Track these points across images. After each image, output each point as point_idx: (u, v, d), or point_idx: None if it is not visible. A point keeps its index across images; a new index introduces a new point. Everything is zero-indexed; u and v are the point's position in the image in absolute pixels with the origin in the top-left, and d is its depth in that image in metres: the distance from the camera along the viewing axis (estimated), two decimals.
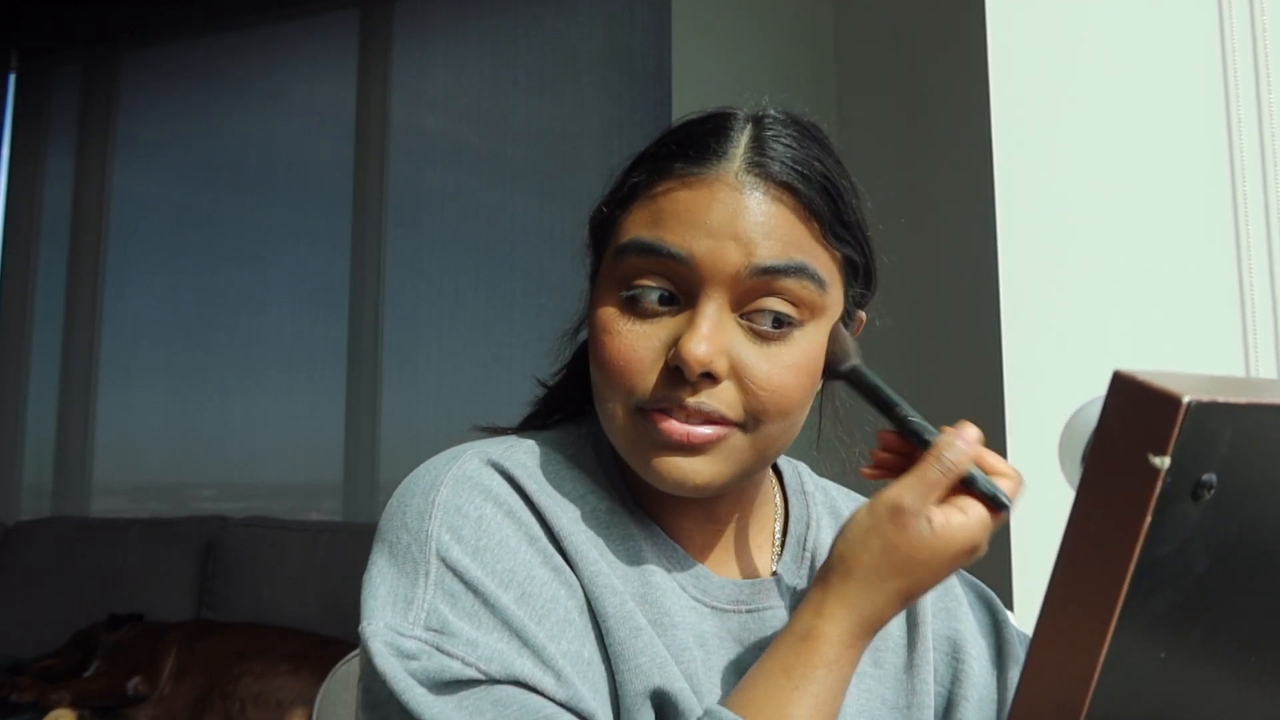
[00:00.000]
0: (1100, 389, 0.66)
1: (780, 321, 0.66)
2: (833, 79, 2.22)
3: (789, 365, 0.66)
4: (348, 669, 1.05)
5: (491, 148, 3.37)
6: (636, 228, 0.68)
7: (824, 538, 0.80)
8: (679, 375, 0.65)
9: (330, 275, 3.53)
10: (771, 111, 0.70)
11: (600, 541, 0.70)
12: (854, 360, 0.70)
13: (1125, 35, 1.47)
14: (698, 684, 0.69)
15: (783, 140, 0.68)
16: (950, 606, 0.81)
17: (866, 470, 0.71)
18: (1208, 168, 1.42)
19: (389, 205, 3.50)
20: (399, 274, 3.46)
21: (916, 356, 1.81)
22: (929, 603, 0.80)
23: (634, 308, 0.67)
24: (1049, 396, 1.40)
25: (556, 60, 3.27)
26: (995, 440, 1.43)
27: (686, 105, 2.35)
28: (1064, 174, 1.46)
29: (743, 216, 0.65)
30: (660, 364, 0.66)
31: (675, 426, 0.65)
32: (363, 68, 3.58)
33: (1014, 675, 0.80)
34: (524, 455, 0.72)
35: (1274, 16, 1.43)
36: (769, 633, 0.73)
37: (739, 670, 0.71)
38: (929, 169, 1.83)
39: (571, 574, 0.67)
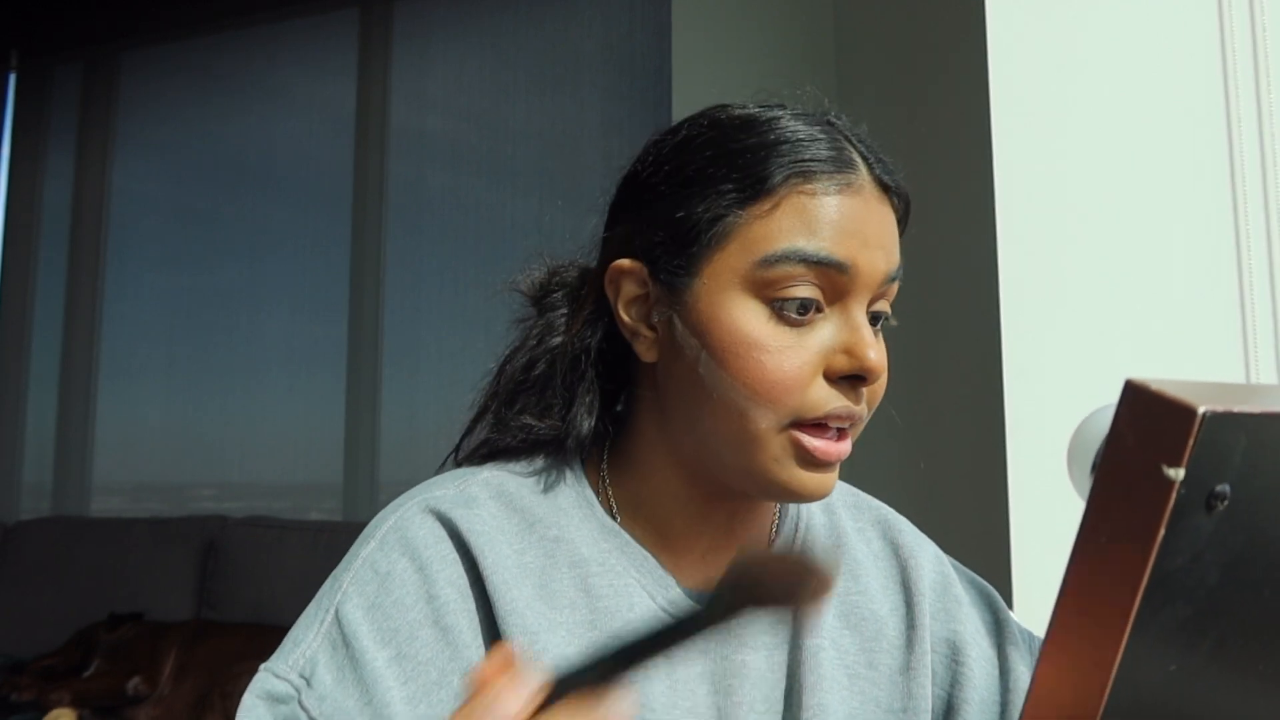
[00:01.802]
0: (1099, 393, 0.66)
1: (878, 319, 0.69)
2: (833, 79, 2.22)
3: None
4: None
5: (491, 148, 3.36)
6: (789, 235, 0.65)
7: (814, 538, 0.79)
8: (847, 383, 0.66)
9: (330, 275, 3.53)
10: (838, 120, 0.70)
11: (545, 571, 0.70)
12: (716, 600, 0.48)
13: (1125, 37, 1.46)
14: (652, 701, 0.68)
15: (873, 148, 0.70)
16: (949, 607, 0.80)
17: None
18: (1207, 170, 1.42)
19: (389, 205, 3.49)
20: (399, 274, 3.46)
21: (915, 361, 1.80)
22: (927, 603, 0.78)
23: (781, 317, 0.65)
24: (1048, 400, 1.40)
25: (556, 60, 3.27)
26: (995, 446, 1.43)
27: (686, 105, 2.34)
28: (1064, 176, 1.46)
29: (885, 225, 0.67)
30: (818, 374, 0.66)
31: (830, 448, 0.66)
32: (363, 68, 3.57)
33: (1017, 676, 0.79)
34: (477, 488, 0.72)
35: (1274, 18, 1.43)
36: (733, 641, 0.73)
37: (707, 680, 0.71)
38: (929, 170, 1.82)
39: (467, 634, 0.66)
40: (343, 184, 3.54)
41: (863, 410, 0.67)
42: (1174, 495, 0.37)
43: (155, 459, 3.85)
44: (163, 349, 3.83)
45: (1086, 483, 0.63)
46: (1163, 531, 0.37)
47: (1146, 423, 0.38)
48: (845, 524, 0.82)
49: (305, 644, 0.66)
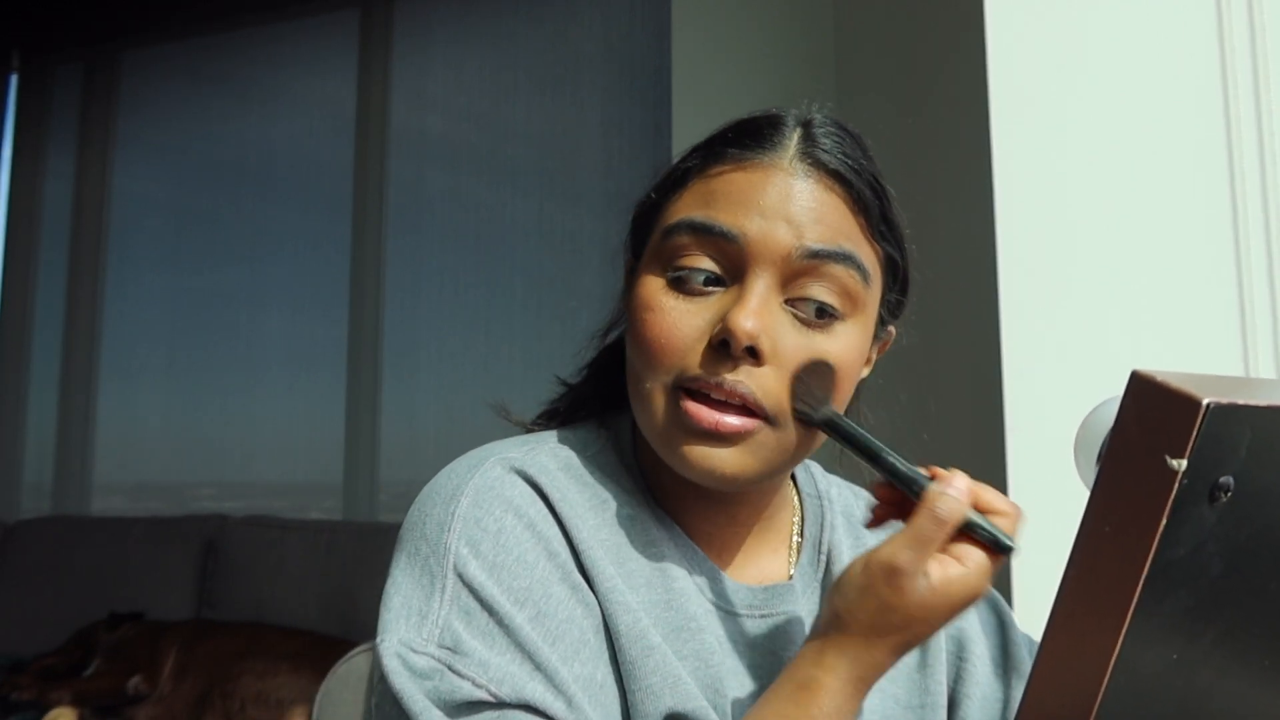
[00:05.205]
0: (1098, 390, 0.66)
1: (823, 311, 0.67)
2: (833, 79, 2.22)
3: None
4: (347, 668, 1.05)
5: (491, 148, 3.36)
6: (687, 208, 0.68)
7: (839, 539, 0.80)
8: (722, 351, 0.65)
9: (330, 275, 3.53)
10: (818, 115, 0.71)
11: (621, 548, 0.69)
12: (827, 410, 0.67)
13: (1125, 37, 1.47)
14: (724, 686, 0.68)
15: (832, 137, 0.69)
16: None
17: (870, 525, 0.69)
18: (1206, 169, 1.43)
19: (389, 205, 3.49)
20: (399, 274, 3.46)
21: (915, 359, 1.81)
22: None
23: (680, 286, 0.67)
24: (1048, 397, 1.40)
25: (556, 60, 3.27)
26: (996, 441, 1.43)
27: (686, 105, 2.35)
28: (1063, 175, 1.46)
29: (795, 200, 0.66)
30: (704, 343, 0.66)
31: (705, 413, 0.65)
32: (363, 68, 3.57)
33: (1020, 675, 0.80)
34: (546, 458, 0.71)
35: (1273, 18, 1.43)
36: (782, 638, 0.73)
37: (755, 675, 0.71)
38: (929, 170, 1.83)
39: (589, 591, 0.66)
40: (343, 184, 3.54)
41: (738, 384, 0.65)
42: (1176, 485, 0.37)
43: (155, 458, 3.85)
44: (163, 349, 3.82)
45: (1092, 473, 0.64)
46: (1164, 521, 0.38)
47: (1151, 414, 0.38)
48: (861, 527, 0.83)
49: (434, 614, 0.62)
